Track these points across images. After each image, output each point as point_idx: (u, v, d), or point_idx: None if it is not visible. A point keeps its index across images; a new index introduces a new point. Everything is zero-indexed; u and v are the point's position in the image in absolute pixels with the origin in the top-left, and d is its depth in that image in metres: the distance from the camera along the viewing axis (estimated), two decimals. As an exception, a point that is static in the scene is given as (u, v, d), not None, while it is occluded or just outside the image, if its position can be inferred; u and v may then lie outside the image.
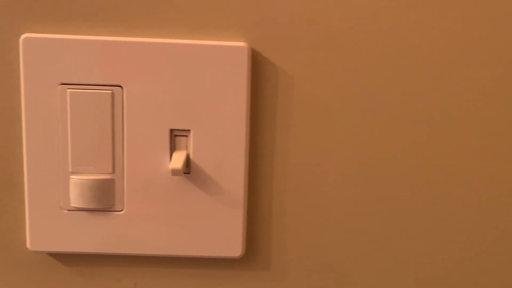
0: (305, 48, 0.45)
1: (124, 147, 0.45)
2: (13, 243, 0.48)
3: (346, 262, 0.49)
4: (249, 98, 0.45)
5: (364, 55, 0.45)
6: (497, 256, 0.49)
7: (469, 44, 0.45)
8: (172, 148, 0.46)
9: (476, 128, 0.47)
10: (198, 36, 0.45)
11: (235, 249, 0.47)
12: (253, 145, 0.47)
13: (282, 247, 0.49)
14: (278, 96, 0.46)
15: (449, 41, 0.45)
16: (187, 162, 0.46)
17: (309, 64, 0.45)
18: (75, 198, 0.46)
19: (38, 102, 0.45)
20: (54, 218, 0.46)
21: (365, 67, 0.46)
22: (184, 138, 0.46)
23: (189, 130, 0.45)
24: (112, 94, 0.45)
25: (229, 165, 0.46)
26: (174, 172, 0.44)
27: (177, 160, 0.44)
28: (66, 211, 0.46)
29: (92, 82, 0.45)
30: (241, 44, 0.44)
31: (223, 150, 0.46)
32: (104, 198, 0.46)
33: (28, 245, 0.47)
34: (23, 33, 0.44)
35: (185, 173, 0.46)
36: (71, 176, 0.46)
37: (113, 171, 0.46)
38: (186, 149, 0.46)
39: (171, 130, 0.45)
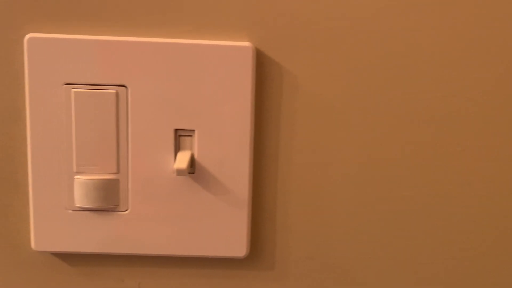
0: (309, 48, 0.45)
1: (129, 147, 0.45)
2: (18, 243, 0.48)
3: (350, 262, 0.49)
4: (253, 98, 0.45)
5: (368, 56, 0.45)
6: (498, 256, 0.49)
7: (470, 44, 0.45)
8: (177, 148, 0.46)
9: (478, 128, 0.47)
10: (202, 36, 0.45)
11: (240, 249, 0.47)
12: (258, 145, 0.47)
13: (286, 247, 0.49)
14: (282, 96, 0.46)
15: (450, 41, 0.45)
16: (192, 162, 0.46)
17: (313, 64, 0.46)
18: (80, 198, 0.46)
19: (43, 102, 0.45)
20: (59, 218, 0.46)
21: (368, 67, 0.46)
22: (189, 138, 0.46)
23: (193, 130, 0.45)
24: (117, 94, 0.45)
25: (233, 165, 0.46)
26: (179, 172, 0.44)
27: (182, 160, 0.44)
28: (70, 211, 0.46)
29: (97, 82, 0.45)
30: (246, 44, 0.44)
31: (228, 150, 0.46)
32: (108, 198, 0.46)
33: (32, 245, 0.47)
34: (27, 33, 0.44)
35: (189, 173, 0.46)
36: (76, 176, 0.46)
37: (118, 171, 0.46)
38: (191, 149, 0.46)
39: (176, 130, 0.45)
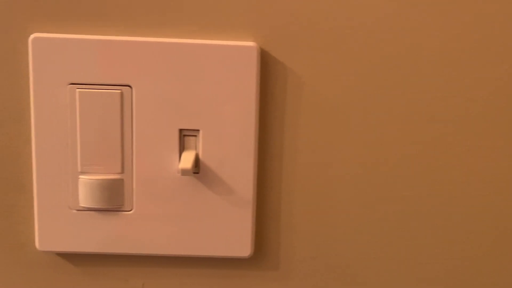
0: (314, 48, 0.45)
1: (133, 147, 0.45)
2: (22, 243, 0.48)
3: (355, 262, 0.49)
4: (258, 98, 0.45)
5: (372, 56, 0.45)
6: (500, 257, 0.49)
7: (472, 44, 0.45)
8: (181, 148, 0.46)
9: (480, 128, 0.47)
10: (207, 36, 0.45)
11: (244, 249, 0.47)
12: (262, 145, 0.47)
13: (291, 247, 0.49)
14: (286, 96, 0.46)
15: (453, 41, 0.45)
16: (196, 162, 0.46)
17: (318, 63, 0.45)
18: (84, 198, 0.46)
19: (47, 102, 0.45)
20: (63, 218, 0.46)
21: (372, 67, 0.46)
22: (193, 138, 0.46)
23: (198, 130, 0.45)
24: (121, 94, 0.45)
25: (238, 165, 0.46)
26: (184, 172, 0.44)
27: (187, 160, 0.44)
28: (75, 211, 0.46)
29: (101, 82, 0.45)
30: (250, 43, 0.44)
31: (232, 150, 0.46)
32: (113, 198, 0.46)
33: (37, 245, 0.47)
34: (32, 33, 0.44)
35: (194, 173, 0.46)
36: (80, 176, 0.46)
37: (122, 171, 0.46)
38: (195, 149, 0.46)
39: (180, 130, 0.45)
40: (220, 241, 0.47)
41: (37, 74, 0.44)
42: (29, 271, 0.48)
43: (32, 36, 0.44)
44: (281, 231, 0.48)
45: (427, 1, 0.45)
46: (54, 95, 0.45)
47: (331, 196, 0.48)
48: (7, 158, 0.46)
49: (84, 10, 0.44)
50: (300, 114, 0.46)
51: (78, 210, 0.46)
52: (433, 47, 0.45)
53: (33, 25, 0.44)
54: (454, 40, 0.45)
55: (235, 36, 0.45)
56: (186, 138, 0.46)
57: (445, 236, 0.49)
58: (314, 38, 0.45)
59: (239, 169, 0.46)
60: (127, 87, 0.45)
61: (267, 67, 0.45)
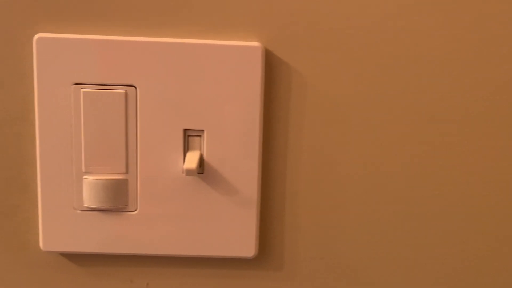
0: (318, 48, 0.45)
1: (138, 147, 0.45)
2: (26, 244, 0.48)
3: (359, 262, 0.49)
4: (262, 98, 0.45)
5: (376, 55, 0.45)
6: (508, 257, 0.49)
7: (479, 44, 0.45)
8: (186, 148, 0.46)
9: (488, 129, 0.47)
10: (211, 36, 0.45)
11: (249, 249, 0.47)
12: (266, 145, 0.47)
13: (295, 247, 0.49)
14: (291, 96, 0.46)
15: (460, 40, 0.45)
16: (201, 162, 0.46)
17: (322, 63, 0.45)
18: (88, 198, 0.46)
19: (52, 102, 0.45)
20: (67, 218, 0.46)
21: (377, 67, 0.46)
22: (198, 138, 0.46)
23: (202, 130, 0.45)
24: (126, 94, 0.45)
25: (242, 165, 0.46)
26: (188, 172, 0.44)
27: (191, 160, 0.44)
28: (79, 211, 0.46)
29: (106, 82, 0.44)
30: (255, 44, 0.44)
31: (237, 150, 0.46)
32: (117, 198, 0.46)
33: (41, 245, 0.47)
34: (36, 33, 0.44)
35: (198, 173, 0.46)
36: (85, 176, 0.46)
37: (127, 171, 0.46)
38: (200, 149, 0.46)
39: (185, 130, 0.45)
40: (224, 242, 0.47)
41: (42, 74, 0.44)
42: (33, 271, 0.48)
43: (36, 36, 0.44)
44: (285, 231, 0.48)
45: (431, 1, 0.44)
46: (58, 95, 0.45)
47: (336, 196, 0.48)
48: (12, 158, 0.46)
49: (89, 10, 0.44)
50: (304, 114, 0.46)
51: (82, 210, 0.46)
52: (437, 47, 0.45)
53: (38, 25, 0.44)
54: (458, 40, 0.45)
55: (239, 36, 0.45)
56: (191, 138, 0.46)
57: (451, 237, 0.49)
58: (318, 38, 0.45)
59: (243, 169, 0.46)
60: (132, 87, 0.45)
61: (272, 67, 0.45)
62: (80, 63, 0.44)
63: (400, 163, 0.47)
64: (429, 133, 0.47)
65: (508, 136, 0.47)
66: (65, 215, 0.46)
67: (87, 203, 0.46)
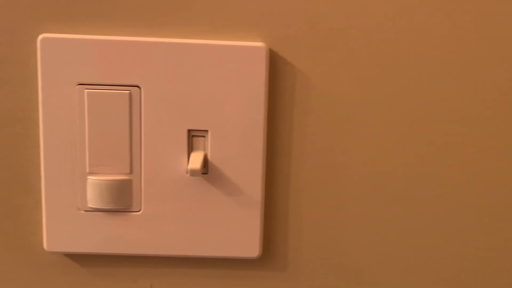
0: (322, 49, 0.45)
1: (142, 147, 0.45)
2: (30, 244, 0.48)
3: (363, 262, 0.49)
4: (266, 99, 0.45)
5: (381, 56, 0.45)
6: (512, 256, 0.50)
7: (485, 44, 0.45)
8: (190, 149, 0.46)
9: (494, 129, 0.47)
10: (216, 36, 0.45)
11: (253, 249, 0.47)
12: (270, 145, 0.47)
13: (299, 248, 0.49)
14: (295, 96, 0.46)
15: (466, 41, 0.45)
16: (205, 162, 0.46)
17: (327, 64, 0.45)
18: (92, 199, 0.46)
19: (56, 102, 0.45)
20: (71, 218, 0.46)
21: (381, 67, 0.46)
22: (202, 138, 0.46)
23: (206, 131, 0.45)
24: (130, 95, 0.45)
25: (246, 165, 0.46)
26: (193, 172, 0.44)
27: (195, 161, 0.44)
28: (83, 211, 0.46)
29: (110, 82, 0.44)
30: (259, 44, 0.44)
31: (241, 150, 0.46)
32: (121, 199, 0.46)
33: (45, 245, 0.47)
34: (41, 34, 0.44)
35: (202, 173, 0.46)
36: (88, 177, 0.46)
37: (131, 172, 0.46)
38: (204, 149, 0.46)
39: (189, 131, 0.45)
40: (228, 242, 0.47)
41: (46, 74, 0.44)
42: (37, 272, 0.48)
43: (40, 37, 0.44)
44: (290, 231, 0.48)
45: (437, 0, 0.44)
46: (62, 95, 0.45)
47: (339, 197, 0.48)
48: (16, 158, 0.46)
49: (93, 11, 0.44)
50: (308, 114, 0.46)
51: (86, 210, 0.46)
52: (442, 47, 0.45)
53: (42, 26, 0.44)
54: (460, 40, 0.45)
55: (244, 37, 0.45)
56: (195, 139, 0.46)
57: (454, 237, 0.49)
58: (323, 38, 0.45)
59: (247, 169, 0.46)
60: (136, 87, 0.45)
61: (276, 68, 0.45)
62: (84, 64, 0.44)
63: (404, 163, 0.47)
64: (433, 133, 0.47)
65: (510, 136, 0.47)
66: (69, 216, 0.46)
67: (91, 204, 0.46)
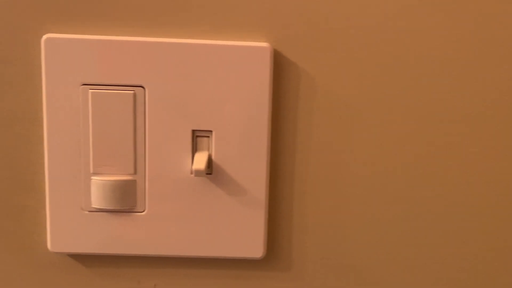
0: (327, 49, 0.45)
1: (146, 147, 0.45)
2: (34, 244, 0.48)
3: (367, 262, 0.49)
4: (270, 99, 0.45)
5: (385, 56, 0.45)
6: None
7: (487, 44, 0.45)
8: (194, 149, 0.46)
9: (498, 129, 0.47)
10: (220, 37, 0.45)
11: (257, 250, 0.47)
12: (275, 145, 0.47)
13: (303, 248, 0.49)
14: (299, 97, 0.46)
15: (470, 41, 0.45)
16: (209, 162, 0.46)
17: (331, 64, 0.45)
18: (96, 199, 0.46)
19: (60, 102, 0.45)
20: (75, 219, 0.46)
21: (386, 67, 0.46)
22: (206, 139, 0.46)
23: (211, 131, 0.45)
24: (134, 95, 0.45)
25: (250, 166, 0.46)
26: (197, 173, 0.44)
27: (200, 161, 0.44)
28: (87, 212, 0.46)
29: (114, 83, 0.44)
30: (264, 44, 0.44)
31: (245, 150, 0.46)
32: (125, 199, 0.46)
33: (49, 246, 0.47)
34: (45, 34, 0.44)
35: (206, 173, 0.46)
36: (93, 177, 0.46)
37: (135, 172, 0.46)
38: (208, 149, 0.46)
39: (193, 131, 0.45)
40: (232, 242, 0.47)
41: (50, 74, 0.44)
42: (41, 272, 0.48)
43: (44, 37, 0.44)
44: (294, 231, 0.48)
45: (444, 1, 0.44)
46: (66, 95, 0.44)
47: (344, 197, 0.48)
48: (20, 159, 0.46)
49: (97, 11, 0.44)
50: (312, 114, 0.46)
51: (90, 211, 0.46)
52: (446, 47, 0.45)
53: (46, 26, 0.44)
54: (468, 40, 0.45)
55: (248, 37, 0.45)
56: (199, 139, 0.46)
57: (457, 237, 0.49)
58: (327, 39, 0.45)
59: (251, 170, 0.46)
60: (140, 87, 0.45)
61: (280, 68, 0.45)
62: (88, 64, 0.44)
63: (408, 163, 0.47)
64: (439, 133, 0.47)
65: (511, 136, 0.47)
66: (73, 216, 0.46)
67: (95, 204, 0.46)
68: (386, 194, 0.48)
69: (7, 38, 0.44)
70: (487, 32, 0.45)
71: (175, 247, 0.47)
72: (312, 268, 0.49)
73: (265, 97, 0.45)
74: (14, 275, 0.48)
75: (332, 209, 0.48)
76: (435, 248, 0.49)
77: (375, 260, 0.49)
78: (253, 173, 0.46)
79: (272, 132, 0.46)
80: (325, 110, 0.46)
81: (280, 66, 0.45)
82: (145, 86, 0.45)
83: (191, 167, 0.45)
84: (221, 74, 0.44)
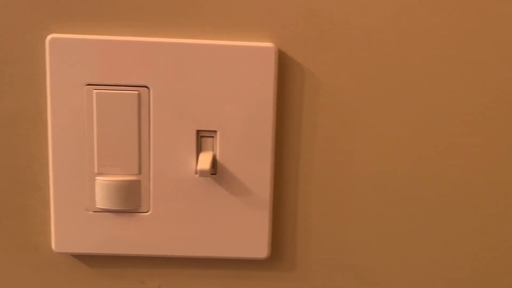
0: (331, 49, 0.45)
1: (151, 148, 0.45)
2: (38, 245, 0.48)
3: (371, 263, 0.49)
4: (275, 99, 0.45)
5: (389, 56, 0.45)
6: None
7: (492, 45, 0.45)
8: (199, 149, 0.46)
9: (503, 130, 0.47)
10: (225, 37, 0.45)
11: (261, 250, 0.47)
12: (279, 146, 0.47)
13: (308, 248, 0.48)
14: (304, 97, 0.46)
15: (475, 42, 0.45)
16: (213, 163, 0.45)
17: (335, 64, 0.45)
18: (101, 199, 0.46)
19: (64, 102, 0.45)
20: (80, 219, 0.46)
21: (390, 68, 0.45)
22: (211, 139, 0.46)
23: (215, 131, 0.45)
24: (139, 95, 0.45)
25: (255, 166, 0.46)
26: (202, 173, 0.43)
27: (204, 161, 0.44)
28: (91, 212, 0.46)
29: (119, 83, 0.44)
30: (268, 44, 0.44)
31: (249, 151, 0.46)
32: (130, 199, 0.46)
33: (53, 246, 0.47)
34: (49, 34, 0.44)
35: (211, 174, 0.46)
36: (97, 177, 0.46)
37: (139, 172, 0.46)
38: (212, 150, 0.46)
39: (198, 131, 0.45)
40: (237, 242, 0.47)
41: (54, 75, 0.44)
42: (45, 272, 0.48)
43: (49, 37, 0.44)
44: (298, 232, 0.48)
45: (448, 1, 0.44)
46: (71, 96, 0.44)
47: (348, 197, 0.48)
48: (24, 159, 0.46)
49: (101, 11, 0.44)
50: (317, 115, 0.46)
51: (94, 211, 0.46)
52: (453, 48, 0.45)
53: (50, 26, 0.44)
54: (473, 40, 0.45)
55: (253, 37, 0.45)
56: (203, 139, 0.46)
57: (462, 237, 0.49)
58: (332, 39, 0.45)
59: (256, 170, 0.46)
60: (144, 88, 0.45)
61: (285, 68, 0.45)
62: (92, 64, 0.44)
63: (413, 164, 0.47)
64: (443, 133, 0.47)
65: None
66: (77, 216, 0.46)
67: (99, 204, 0.46)
68: (390, 195, 0.48)
69: (12, 38, 0.44)
70: (492, 32, 0.45)
71: (180, 248, 0.47)
72: (316, 268, 0.49)
73: (270, 97, 0.45)
74: (18, 275, 0.48)
75: (337, 209, 0.48)
76: (440, 249, 0.49)
77: (379, 260, 0.49)
78: (257, 173, 0.46)
79: (277, 132, 0.46)
80: (330, 110, 0.46)
81: (284, 66, 0.45)
82: (149, 86, 0.44)
83: (196, 167, 0.45)
84: (225, 74, 0.44)
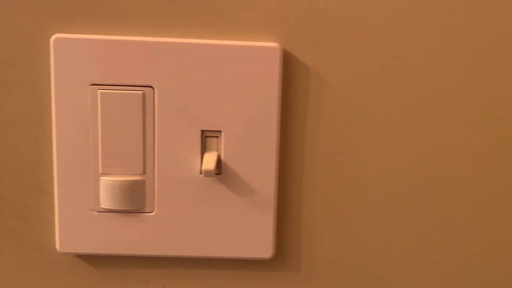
0: (336, 49, 0.45)
1: (155, 148, 0.45)
2: (43, 245, 0.48)
3: (376, 263, 0.49)
4: (280, 99, 0.45)
5: (394, 56, 0.45)
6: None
7: (497, 45, 0.45)
8: (203, 149, 0.46)
9: (508, 131, 0.47)
10: (229, 37, 0.44)
11: (266, 250, 0.47)
12: (284, 146, 0.47)
13: (312, 248, 0.48)
14: (309, 97, 0.46)
15: (481, 42, 0.45)
16: (218, 163, 0.45)
17: (340, 64, 0.45)
18: (105, 200, 0.46)
19: (69, 102, 0.44)
20: (84, 219, 0.46)
21: (395, 67, 0.45)
22: (215, 139, 0.46)
23: (220, 131, 0.45)
24: (143, 95, 0.44)
25: (259, 166, 0.46)
26: (206, 173, 0.43)
27: (209, 161, 0.44)
28: (95, 212, 0.46)
29: (123, 83, 0.44)
30: (273, 44, 0.44)
31: (254, 151, 0.46)
32: (134, 200, 0.46)
33: (57, 246, 0.47)
34: (54, 34, 0.44)
35: (215, 174, 0.45)
36: (101, 177, 0.45)
37: (144, 172, 0.46)
38: (217, 150, 0.46)
39: (202, 131, 0.45)
40: (241, 243, 0.47)
41: (59, 75, 0.44)
42: (49, 272, 0.48)
43: (53, 37, 0.44)
44: (303, 232, 0.48)
45: (452, 2, 0.44)
46: (75, 96, 0.44)
47: (353, 197, 0.48)
48: (28, 159, 0.46)
49: (106, 11, 0.44)
50: (322, 115, 0.46)
51: (99, 211, 0.46)
52: (458, 48, 0.45)
53: (55, 26, 0.44)
54: (478, 41, 0.45)
55: (257, 37, 0.45)
56: (208, 139, 0.46)
57: (465, 237, 0.49)
58: (337, 39, 0.45)
59: (260, 170, 0.46)
60: (149, 88, 0.44)
61: (289, 68, 0.45)
62: (97, 64, 0.44)
63: (418, 164, 0.47)
64: (448, 134, 0.47)
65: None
66: (82, 217, 0.46)
67: (103, 205, 0.46)
68: (395, 195, 0.48)
69: (16, 38, 0.44)
70: (492, 32, 0.45)
71: (184, 248, 0.47)
72: (320, 268, 0.49)
73: (274, 97, 0.45)
74: (22, 275, 0.48)
75: (341, 210, 0.48)
76: (447, 249, 0.49)
77: (384, 261, 0.49)
78: (262, 173, 0.46)
79: (281, 132, 0.46)
80: (334, 110, 0.46)
81: (289, 66, 0.45)
82: (154, 86, 0.44)
83: (200, 168, 0.45)
84: (230, 74, 0.44)
